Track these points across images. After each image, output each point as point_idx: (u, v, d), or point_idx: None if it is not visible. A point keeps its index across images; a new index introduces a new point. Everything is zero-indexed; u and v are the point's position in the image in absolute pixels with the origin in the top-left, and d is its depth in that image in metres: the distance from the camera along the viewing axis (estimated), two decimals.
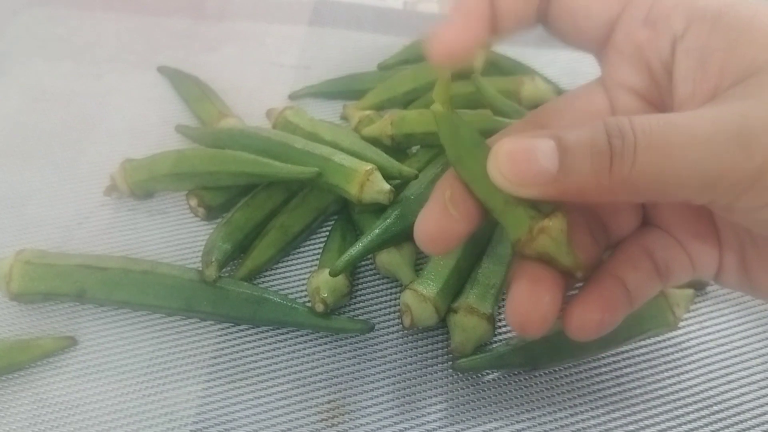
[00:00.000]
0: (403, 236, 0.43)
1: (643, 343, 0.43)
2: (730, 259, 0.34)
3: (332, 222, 0.48)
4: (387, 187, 0.43)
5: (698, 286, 0.45)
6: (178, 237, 0.48)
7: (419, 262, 0.45)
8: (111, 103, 0.58)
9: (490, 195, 0.29)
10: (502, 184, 0.28)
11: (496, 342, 0.42)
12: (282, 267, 0.46)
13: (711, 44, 0.29)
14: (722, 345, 0.43)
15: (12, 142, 0.54)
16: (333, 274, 0.40)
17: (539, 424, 0.39)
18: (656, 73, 0.32)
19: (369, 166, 0.43)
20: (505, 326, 0.43)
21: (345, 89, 0.58)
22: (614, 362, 0.42)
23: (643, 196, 0.28)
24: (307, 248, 0.47)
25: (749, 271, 0.33)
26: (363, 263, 0.46)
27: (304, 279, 0.45)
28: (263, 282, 0.45)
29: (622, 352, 0.43)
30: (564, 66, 0.51)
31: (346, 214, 0.48)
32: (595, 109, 0.34)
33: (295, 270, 0.46)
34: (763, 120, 0.26)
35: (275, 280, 0.46)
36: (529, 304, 0.30)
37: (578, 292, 0.32)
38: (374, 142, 0.49)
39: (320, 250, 0.47)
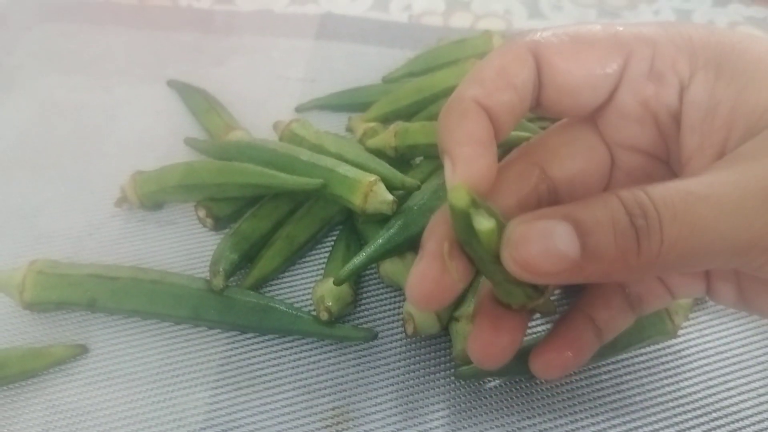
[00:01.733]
0: (406, 246, 0.44)
1: (642, 351, 0.44)
2: (724, 287, 0.33)
3: (337, 232, 0.49)
4: (390, 197, 0.44)
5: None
6: (186, 247, 0.49)
7: None
8: (120, 116, 0.59)
9: (491, 272, 0.28)
10: (516, 272, 0.26)
11: None
12: (288, 276, 0.47)
13: (717, 93, 0.28)
14: (721, 353, 0.44)
15: (24, 154, 0.56)
16: (337, 283, 0.41)
17: (540, 431, 0.40)
18: (664, 126, 0.31)
19: (372, 177, 0.44)
20: None
21: (350, 102, 0.59)
22: (614, 369, 0.43)
23: (672, 270, 0.27)
24: (312, 258, 0.48)
25: (746, 296, 0.33)
26: (367, 272, 0.47)
27: (309, 288, 0.46)
28: (269, 291, 0.46)
29: (622, 360, 0.43)
30: None
31: (350, 225, 0.49)
32: (596, 159, 0.33)
33: (301, 279, 0.47)
34: None
35: (281, 289, 0.47)
36: (490, 344, 0.31)
37: (548, 332, 0.33)
38: (378, 153, 0.50)
39: (325, 260, 0.48)
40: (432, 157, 0.50)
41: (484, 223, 0.26)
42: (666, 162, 0.33)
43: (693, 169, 0.30)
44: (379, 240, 0.43)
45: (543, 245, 0.25)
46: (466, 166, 0.28)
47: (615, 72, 0.30)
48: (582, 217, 0.25)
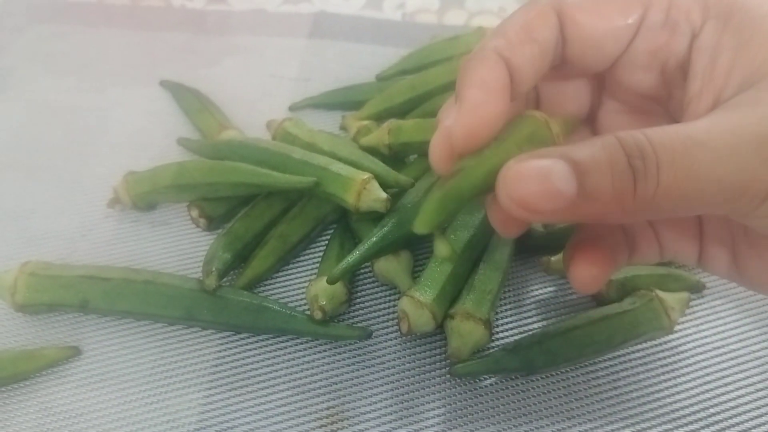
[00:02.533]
0: (400, 243, 0.44)
1: (639, 347, 0.43)
2: (719, 252, 0.34)
3: (331, 231, 0.49)
4: (384, 195, 0.44)
5: (694, 289, 0.45)
6: (180, 247, 0.48)
7: (417, 269, 0.46)
8: (113, 117, 0.59)
9: None
10: (512, 210, 0.26)
11: (492, 347, 0.43)
12: (281, 276, 0.47)
13: (722, 43, 0.29)
14: (718, 348, 0.44)
15: (16, 156, 0.55)
16: (330, 282, 0.40)
17: (537, 428, 0.40)
18: (669, 74, 0.32)
19: (366, 175, 0.44)
20: (501, 331, 0.44)
21: (344, 100, 0.59)
22: (610, 366, 0.43)
23: (665, 214, 0.27)
24: (306, 257, 0.48)
25: (740, 263, 0.33)
26: (361, 271, 0.47)
27: (303, 287, 0.46)
28: (263, 291, 0.46)
29: (618, 357, 0.43)
30: None
31: (344, 223, 0.49)
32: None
33: (295, 279, 0.47)
34: None
35: (275, 288, 0.46)
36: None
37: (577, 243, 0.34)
38: (372, 151, 0.50)
39: (319, 259, 0.48)
40: (426, 154, 0.50)
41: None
42: (664, 106, 0.34)
43: (690, 114, 0.30)
44: (372, 238, 0.43)
45: (540, 184, 0.25)
46: (470, 109, 0.29)
47: (635, 22, 0.31)
48: (580, 157, 0.25)
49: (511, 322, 0.45)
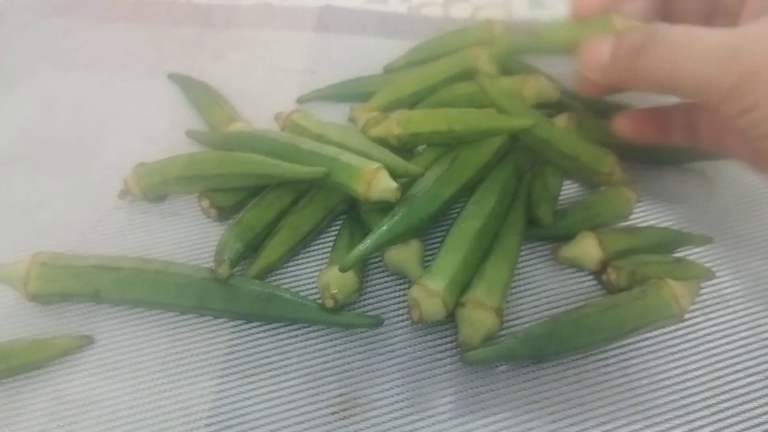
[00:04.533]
0: (410, 233, 0.44)
1: (648, 335, 0.43)
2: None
3: (341, 221, 0.49)
4: (394, 184, 0.44)
5: (704, 277, 0.46)
6: (190, 238, 0.49)
7: (427, 258, 0.46)
8: (122, 111, 0.59)
9: None
10: (580, 68, 0.43)
11: (502, 336, 0.43)
12: (292, 266, 0.47)
13: None
14: (728, 335, 0.44)
15: (25, 150, 0.56)
16: (343, 270, 0.41)
17: (548, 414, 0.40)
18: None
19: (376, 165, 0.44)
20: (511, 320, 0.44)
21: (352, 92, 0.59)
22: (620, 354, 0.43)
23: (658, 88, 0.39)
24: (316, 247, 0.48)
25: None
26: (372, 260, 0.47)
27: (314, 277, 0.46)
28: (274, 281, 0.46)
29: (628, 345, 0.43)
30: (568, 65, 0.52)
31: (354, 213, 0.49)
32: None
33: (306, 268, 0.47)
34: (750, 41, 0.34)
35: (286, 278, 0.46)
36: None
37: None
38: (381, 142, 0.50)
39: (329, 249, 0.48)
40: (435, 144, 0.50)
41: None
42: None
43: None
44: (383, 227, 0.43)
45: (595, 51, 0.42)
46: None
47: None
48: (623, 37, 0.40)
49: (522, 310, 0.45)
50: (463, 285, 0.43)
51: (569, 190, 0.51)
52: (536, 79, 0.53)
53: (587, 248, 0.46)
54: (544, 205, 0.48)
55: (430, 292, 0.41)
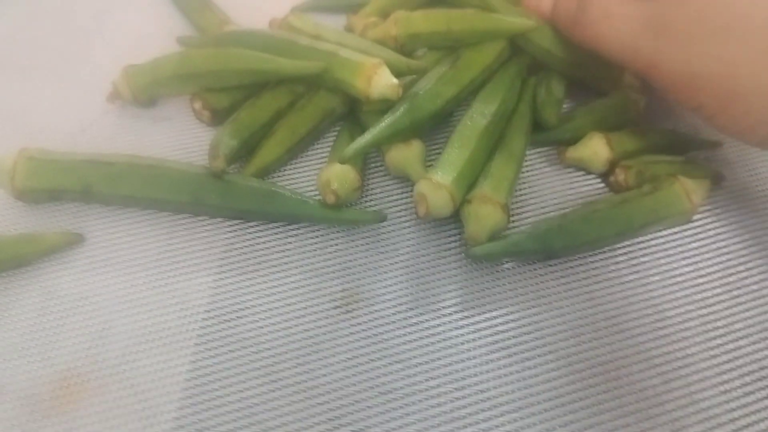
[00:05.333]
0: (411, 130, 0.43)
1: (658, 234, 0.42)
2: None
3: (340, 125, 0.47)
4: (395, 81, 0.42)
5: (714, 180, 0.44)
6: (183, 142, 0.47)
7: (429, 160, 0.44)
8: (110, 19, 0.57)
9: None
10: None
11: (509, 233, 0.41)
12: (290, 169, 0.45)
13: None
14: (740, 234, 0.43)
15: (11, 56, 0.53)
16: (342, 161, 0.39)
17: (555, 309, 0.39)
18: None
19: (376, 60, 0.42)
20: (518, 220, 0.43)
21: (349, 2, 0.57)
22: (630, 251, 0.42)
23: (593, 52, 0.42)
24: (315, 151, 0.47)
25: None
26: (372, 162, 0.45)
27: (313, 180, 0.44)
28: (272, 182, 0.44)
29: (638, 243, 0.42)
30: None
31: (354, 116, 0.47)
32: None
33: (304, 171, 0.45)
34: (660, 13, 0.38)
35: (284, 180, 0.45)
36: None
37: None
38: (380, 44, 0.48)
39: (328, 152, 0.46)
40: (435, 47, 0.48)
41: None
42: None
43: None
44: (384, 122, 0.41)
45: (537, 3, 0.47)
46: None
47: None
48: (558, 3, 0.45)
49: (528, 211, 0.43)
50: (470, 181, 0.41)
51: (576, 95, 0.50)
52: None
53: (595, 148, 0.44)
54: (548, 108, 0.46)
55: (438, 185, 0.39)
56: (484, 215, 0.39)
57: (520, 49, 0.48)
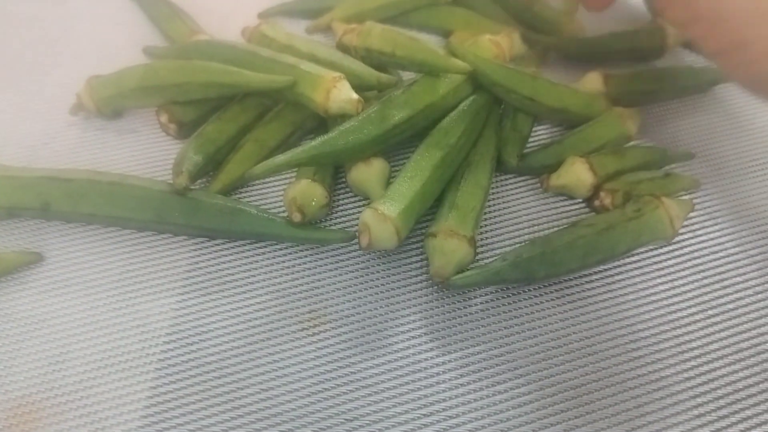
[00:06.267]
0: (349, 153, 0.41)
1: (634, 253, 0.41)
2: None
3: (310, 139, 0.46)
4: (354, 96, 0.41)
5: (690, 188, 0.45)
6: (149, 155, 0.45)
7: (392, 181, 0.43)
8: (77, 28, 0.55)
9: None
10: None
11: (475, 265, 0.40)
12: (258, 184, 0.44)
13: None
14: (716, 252, 0.42)
15: None
16: (249, 178, 0.39)
17: (527, 330, 0.38)
18: None
19: (336, 74, 0.41)
20: (486, 250, 0.42)
21: (316, 7, 0.56)
22: (603, 270, 0.41)
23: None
24: None
25: None
26: (341, 178, 0.44)
27: (281, 196, 0.43)
28: (238, 198, 0.43)
29: (613, 264, 0.41)
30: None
31: (324, 131, 0.45)
32: None
33: (272, 187, 0.44)
34: None
35: (251, 196, 0.44)
36: None
37: None
38: (346, 53, 0.47)
39: (296, 168, 0.45)
40: (391, 67, 0.47)
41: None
42: None
43: None
44: (314, 142, 0.40)
45: None
46: None
47: None
48: None
49: (497, 241, 0.42)
50: (419, 214, 0.40)
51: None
52: (509, 35, 0.50)
53: (579, 174, 0.43)
54: (510, 147, 0.45)
55: (383, 217, 0.38)
56: (449, 250, 0.38)
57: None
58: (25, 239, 0.41)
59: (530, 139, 0.47)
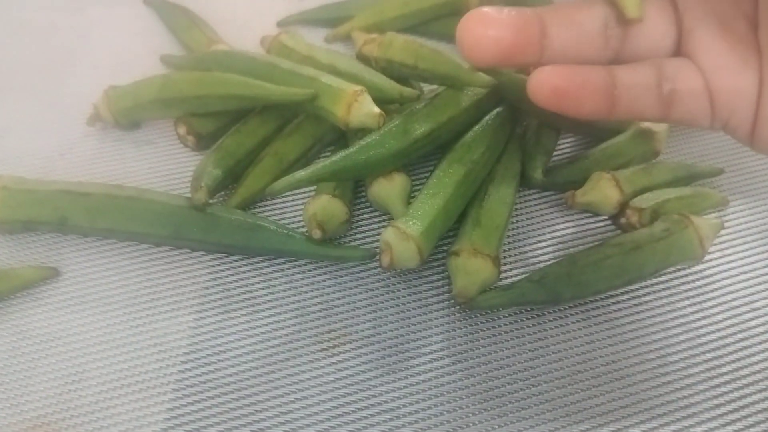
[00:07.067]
0: (369, 168, 0.40)
1: (661, 274, 0.40)
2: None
3: (330, 152, 0.45)
4: (376, 110, 0.40)
5: (719, 206, 0.44)
6: (166, 168, 0.45)
7: (414, 196, 0.42)
8: (94, 37, 0.55)
9: None
10: None
11: (499, 285, 0.39)
12: (277, 199, 0.43)
13: None
14: (746, 273, 0.41)
15: None
16: (270, 194, 0.37)
17: (553, 353, 0.37)
18: None
19: (358, 88, 0.40)
20: (510, 269, 0.41)
21: (335, 16, 0.55)
22: (631, 290, 0.40)
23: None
24: None
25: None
26: (361, 193, 0.43)
27: (301, 210, 0.42)
28: (257, 213, 0.42)
29: (640, 285, 0.40)
30: None
31: (344, 144, 0.45)
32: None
33: (292, 201, 0.43)
34: None
35: (270, 211, 0.43)
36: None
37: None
38: (366, 64, 0.46)
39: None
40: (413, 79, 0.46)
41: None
42: None
43: None
44: (335, 157, 0.39)
45: None
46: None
47: None
48: None
49: (520, 259, 0.41)
50: (441, 232, 0.39)
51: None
52: None
53: (605, 191, 0.42)
54: (534, 162, 0.44)
55: (405, 236, 0.37)
56: (473, 269, 0.37)
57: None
58: (42, 253, 0.40)
59: (554, 154, 0.46)
